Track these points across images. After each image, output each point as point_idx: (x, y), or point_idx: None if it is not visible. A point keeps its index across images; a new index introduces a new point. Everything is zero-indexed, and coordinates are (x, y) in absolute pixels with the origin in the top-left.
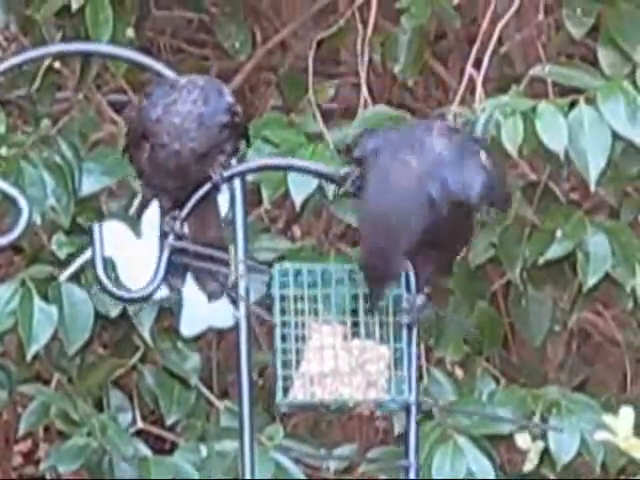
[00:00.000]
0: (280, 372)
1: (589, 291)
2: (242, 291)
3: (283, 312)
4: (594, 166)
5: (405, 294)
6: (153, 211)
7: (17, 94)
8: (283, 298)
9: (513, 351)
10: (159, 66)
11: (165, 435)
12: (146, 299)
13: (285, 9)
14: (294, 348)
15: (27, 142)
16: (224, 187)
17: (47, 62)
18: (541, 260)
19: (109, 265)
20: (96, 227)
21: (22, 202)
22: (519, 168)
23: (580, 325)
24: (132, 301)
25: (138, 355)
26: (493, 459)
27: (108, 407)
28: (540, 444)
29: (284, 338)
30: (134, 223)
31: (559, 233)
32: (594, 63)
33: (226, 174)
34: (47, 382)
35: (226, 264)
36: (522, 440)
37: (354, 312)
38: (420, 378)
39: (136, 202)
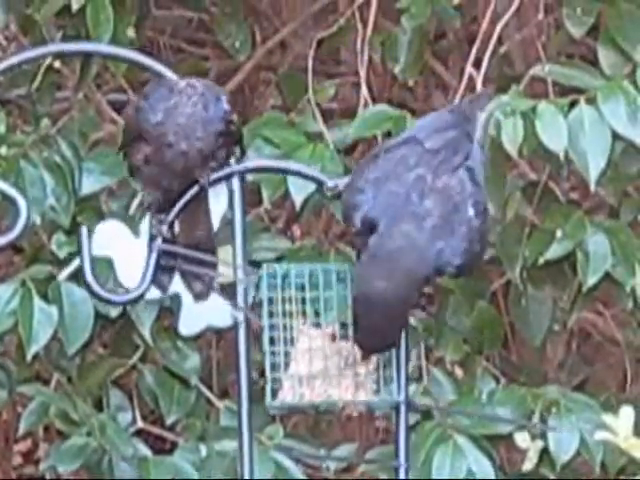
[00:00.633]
0: (269, 374)
1: (589, 291)
2: (240, 294)
3: (271, 315)
4: (594, 166)
5: None
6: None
7: (17, 93)
8: (271, 300)
9: (513, 351)
10: (159, 66)
11: (165, 435)
12: (134, 301)
13: (285, 8)
14: (282, 350)
15: (27, 142)
16: (223, 187)
17: (47, 62)
18: (541, 260)
19: (106, 265)
20: (84, 229)
21: (20, 202)
22: (519, 168)
23: (580, 325)
24: (120, 303)
25: (138, 355)
26: (493, 459)
27: (108, 407)
28: (539, 443)
29: (272, 341)
30: (134, 223)
31: (559, 233)
32: (594, 63)
33: (223, 174)
34: (47, 382)
35: (213, 267)
36: (521, 439)
37: (342, 313)
38: (420, 378)
39: (136, 202)
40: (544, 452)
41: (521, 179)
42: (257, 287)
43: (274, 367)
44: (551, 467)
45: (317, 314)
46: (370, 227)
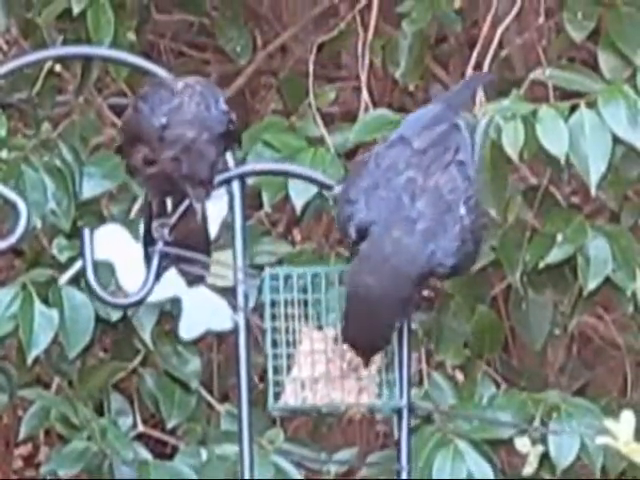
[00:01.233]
0: (271, 377)
1: (589, 295)
2: (240, 297)
3: (274, 317)
4: (595, 170)
5: None
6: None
7: (18, 97)
8: (274, 303)
9: (514, 355)
10: (160, 70)
11: (166, 439)
12: (137, 304)
13: (286, 13)
14: (285, 353)
15: (28, 145)
16: (223, 190)
17: (48, 65)
18: (541, 264)
19: (107, 268)
20: (86, 231)
21: (21, 206)
22: (520, 172)
23: (580, 329)
24: (123, 307)
25: (139, 359)
26: (493, 463)
27: (108, 411)
28: (540, 448)
29: (275, 343)
30: (134, 227)
31: (559, 237)
32: (595, 67)
33: (223, 177)
34: (47, 386)
35: (207, 267)
36: (522, 444)
37: None
38: (420, 382)
39: (136, 206)
40: (544, 457)
41: (522, 183)
42: (259, 290)
43: (276, 370)
44: (551, 471)
45: (319, 317)
46: (365, 236)
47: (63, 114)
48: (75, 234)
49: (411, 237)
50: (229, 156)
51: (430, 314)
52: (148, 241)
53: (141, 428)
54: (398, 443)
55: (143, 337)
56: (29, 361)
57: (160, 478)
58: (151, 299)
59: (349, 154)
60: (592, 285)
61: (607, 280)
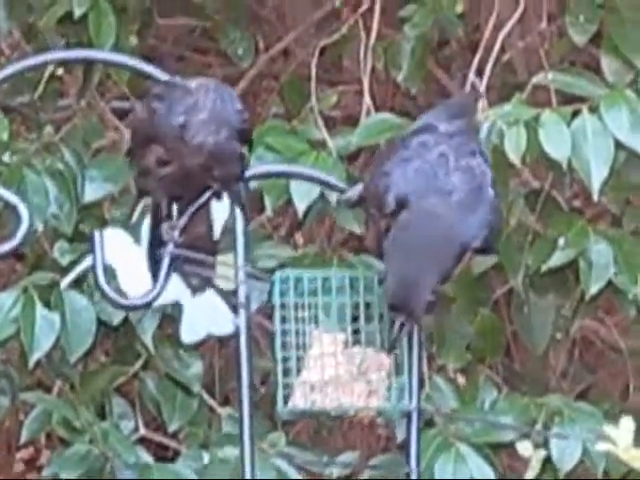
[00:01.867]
0: (281, 380)
1: (591, 299)
2: (242, 298)
3: (284, 320)
4: (597, 175)
5: None
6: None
7: (20, 101)
8: (284, 306)
9: (515, 359)
10: (162, 74)
11: (167, 442)
12: (147, 306)
13: (288, 16)
14: (295, 356)
15: (30, 149)
16: (224, 193)
17: (50, 69)
18: (543, 267)
19: (109, 272)
20: (97, 234)
21: (22, 209)
22: (522, 176)
23: (582, 333)
24: (133, 308)
25: (140, 362)
26: (495, 467)
27: (110, 414)
28: (542, 452)
29: (284, 346)
30: (136, 230)
31: (561, 241)
32: (597, 70)
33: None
34: (49, 389)
35: (212, 268)
36: (524, 448)
37: (355, 320)
38: (422, 385)
39: (138, 209)
40: (547, 461)
41: (524, 187)
42: (269, 293)
43: (286, 373)
44: (554, 475)
45: (329, 320)
46: (403, 205)
47: (65, 118)
48: (77, 238)
49: (447, 208)
50: None
51: (432, 317)
52: (155, 244)
53: (143, 431)
54: (407, 445)
55: (144, 341)
56: (31, 364)
57: None
58: (163, 301)
59: (351, 157)
60: (594, 289)
61: (609, 284)
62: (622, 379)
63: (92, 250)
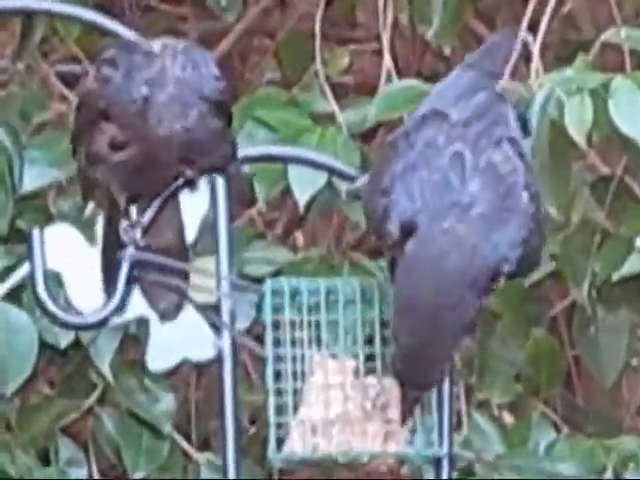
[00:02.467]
0: (273, 419)
1: None
2: (226, 315)
3: (277, 343)
4: None
5: None
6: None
7: None
8: (277, 325)
9: (578, 391)
10: (123, 29)
11: None
12: (101, 325)
13: None
14: (291, 388)
15: None
16: (202, 182)
17: None
18: (615, 275)
19: (55, 281)
20: (35, 232)
21: None
22: (587, 159)
23: None
24: (82, 328)
25: (95, 395)
26: None
27: (56, 460)
28: None
29: (278, 376)
30: (89, 227)
31: (638, 242)
32: None
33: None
34: None
35: (185, 278)
36: None
37: (369, 342)
38: (458, 425)
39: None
40: None
41: (590, 173)
42: (259, 308)
43: (280, 410)
44: None
45: (335, 342)
46: (410, 232)
47: None
48: (13, 237)
49: (466, 227)
50: None
51: (472, 339)
52: (109, 246)
53: None
54: None
55: (100, 368)
56: None
57: None
58: (121, 319)
59: (367, 136)
60: None
61: None
62: None
63: (29, 253)
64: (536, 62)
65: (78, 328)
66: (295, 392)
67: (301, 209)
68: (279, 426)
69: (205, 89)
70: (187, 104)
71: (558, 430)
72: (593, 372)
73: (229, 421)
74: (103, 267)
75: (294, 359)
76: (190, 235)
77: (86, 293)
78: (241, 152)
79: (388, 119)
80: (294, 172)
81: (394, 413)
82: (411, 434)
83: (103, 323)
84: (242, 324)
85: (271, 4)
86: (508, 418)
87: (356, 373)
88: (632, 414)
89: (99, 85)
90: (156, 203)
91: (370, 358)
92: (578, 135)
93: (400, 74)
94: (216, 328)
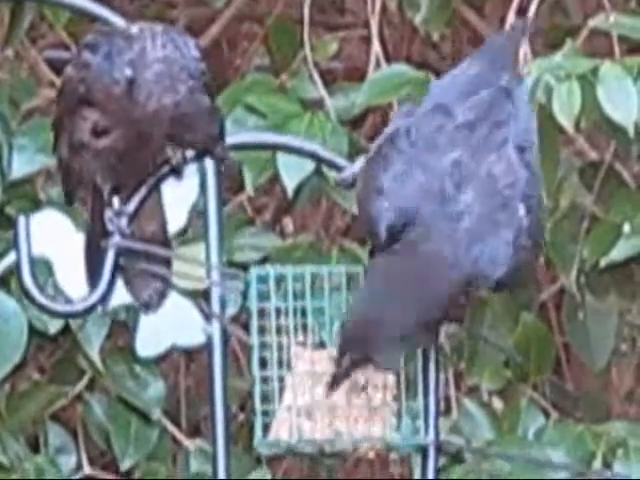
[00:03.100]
0: (259, 406)
1: None
2: (216, 303)
3: (262, 330)
4: None
5: None
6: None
7: None
8: (262, 312)
9: (568, 377)
10: (112, 15)
11: None
12: (87, 312)
13: None
14: (276, 375)
15: None
16: (192, 169)
17: None
18: (604, 261)
19: (45, 267)
20: (22, 219)
21: None
22: (576, 145)
23: None
24: (69, 315)
25: (84, 381)
26: None
27: (46, 447)
28: None
29: (264, 363)
30: (78, 214)
31: (627, 227)
32: None
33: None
34: None
35: (168, 266)
36: None
37: None
38: (448, 411)
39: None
40: None
41: (578, 159)
42: (244, 295)
43: (265, 396)
44: None
45: (321, 330)
46: (395, 236)
47: None
48: (2, 224)
49: (450, 239)
50: None
51: (461, 325)
52: (94, 238)
53: (88, 470)
54: None
55: (90, 354)
56: None
57: None
58: (108, 306)
59: (355, 122)
60: None
61: None
62: None
63: (16, 239)
64: (525, 48)
65: (64, 316)
66: (280, 379)
67: (290, 195)
68: (265, 413)
69: (190, 66)
70: (177, 79)
71: (548, 416)
72: (582, 357)
73: (219, 408)
74: (86, 259)
75: (279, 347)
76: (180, 222)
77: (75, 278)
78: (229, 139)
79: (377, 105)
80: (283, 159)
81: (377, 396)
82: (397, 419)
83: (90, 310)
84: (229, 312)
85: None
86: (498, 404)
87: None
88: (621, 399)
89: (78, 71)
90: (141, 192)
91: None
92: (566, 121)
93: (389, 60)
94: (205, 315)
